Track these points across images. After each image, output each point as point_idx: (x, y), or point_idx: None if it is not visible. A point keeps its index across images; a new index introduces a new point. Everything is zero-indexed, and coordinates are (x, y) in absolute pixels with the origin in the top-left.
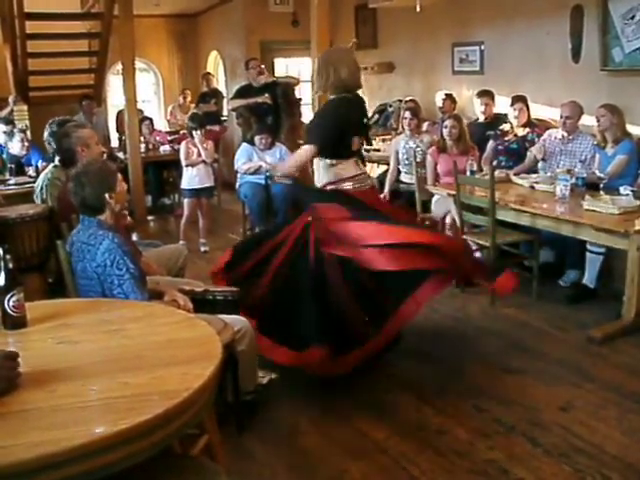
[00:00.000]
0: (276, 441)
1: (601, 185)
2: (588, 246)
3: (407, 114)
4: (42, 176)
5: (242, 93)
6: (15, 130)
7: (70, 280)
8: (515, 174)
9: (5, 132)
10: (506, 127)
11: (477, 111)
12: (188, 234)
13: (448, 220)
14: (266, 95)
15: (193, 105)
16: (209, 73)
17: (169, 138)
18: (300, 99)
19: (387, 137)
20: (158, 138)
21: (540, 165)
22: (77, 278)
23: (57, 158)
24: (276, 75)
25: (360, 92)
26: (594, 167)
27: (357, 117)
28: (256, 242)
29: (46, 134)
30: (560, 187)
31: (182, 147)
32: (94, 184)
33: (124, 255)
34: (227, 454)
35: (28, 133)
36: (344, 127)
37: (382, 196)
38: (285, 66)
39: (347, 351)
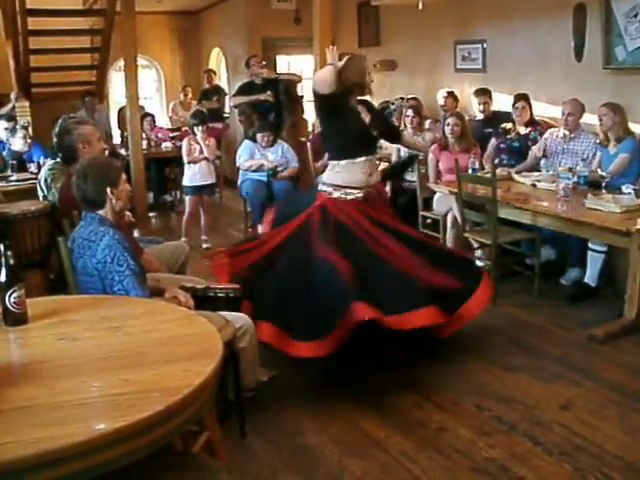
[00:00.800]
0: (277, 438)
1: (603, 184)
2: (590, 244)
3: (409, 112)
4: (45, 169)
5: (244, 90)
6: (17, 127)
7: (71, 277)
8: (517, 172)
9: (7, 129)
10: (508, 125)
11: (475, 110)
12: (190, 231)
13: (450, 218)
14: (268, 92)
15: (195, 102)
16: (211, 70)
17: (171, 135)
18: (302, 96)
19: None
20: (160, 135)
21: (542, 163)
22: (78, 275)
23: (59, 154)
24: (278, 72)
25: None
26: (595, 165)
27: None
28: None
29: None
30: (562, 185)
31: (184, 144)
32: (97, 177)
33: (125, 251)
34: (228, 451)
35: (30, 129)
36: None
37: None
38: (287, 63)
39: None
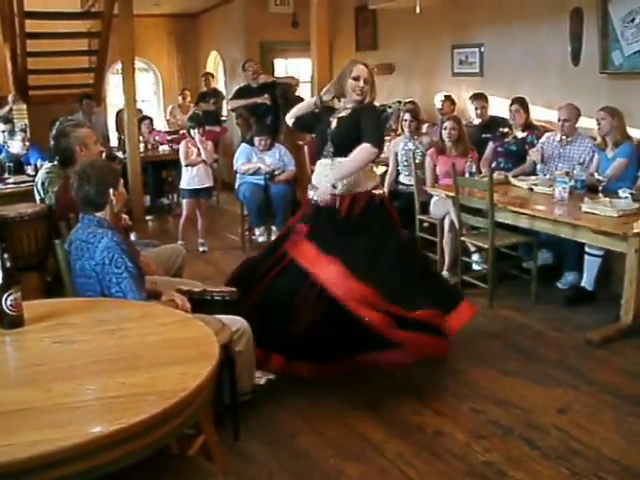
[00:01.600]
0: (273, 442)
1: (600, 188)
2: (586, 248)
3: (406, 116)
4: (42, 172)
5: (241, 93)
6: (16, 129)
7: (68, 279)
8: (514, 176)
9: (4, 131)
10: (506, 129)
11: (472, 114)
12: (187, 234)
13: (447, 222)
14: (265, 95)
15: (193, 105)
16: (209, 73)
17: (168, 138)
18: (300, 99)
19: (386, 138)
20: (157, 138)
21: (539, 167)
22: (76, 277)
23: (56, 157)
24: (276, 76)
25: None
26: (593, 169)
27: None
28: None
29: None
30: (559, 189)
31: (182, 147)
32: (100, 179)
33: (123, 253)
34: (224, 455)
35: (27, 132)
36: None
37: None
38: (285, 67)
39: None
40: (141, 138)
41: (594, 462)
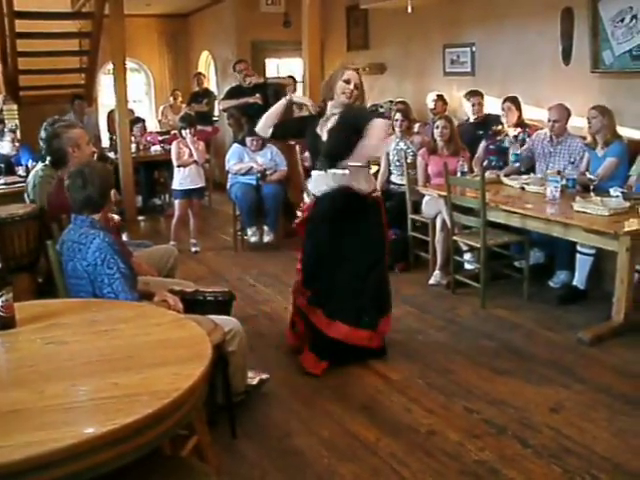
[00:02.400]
0: (266, 442)
1: (592, 187)
2: (578, 247)
3: (398, 115)
4: (33, 173)
5: (233, 94)
6: (5, 130)
7: (60, 280)
8: (505, 175)
9: None
10: (499, 126)
11: (467, 112)
12: (179, 234)
13: (439, 221)
14: (257, 95)
15: (184, 105)
16: (200, 73)
17: (160, 138)
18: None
19: None
20: (149, 138)
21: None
22: (68, 278)
23: (48, 158)
24: (270, 76)
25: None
26: (583, 167)
27: None
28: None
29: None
30: (550, 188)
31: (173, 147)
32: (103, 180)
33: (115, 254)
34: (217, 455)
35: (18, 133)
36: None
37: None
38: (276, 66)
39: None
40: (133, 139)
41: (586, 460)
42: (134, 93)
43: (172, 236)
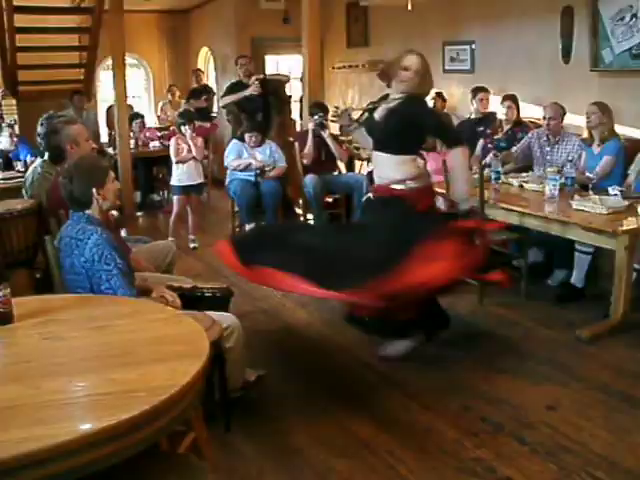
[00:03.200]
0: (263, 439)
1: (590, 185)
2: (577, 246)
3: None
4: (31, 169)
5: (233, 89)
6: (4, 125)
7: (58, 276)
8: (504, 173)
9: None
10: (497, 126)
11: (472, 107)
12: (177, 231)
13: None
14: (256, 83)
15: (183, 101)
16: (199, 69)
17: (159, 134)
18: (290, 96)
19: None
20: (148, 134)
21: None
22: (65, 273)
23: (46, 154)
24: (267, 72)
25: (352, 90)
26: (581, 167)
27: None
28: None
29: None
30: (549, 187)
31: (172, 143)
32: (82, 178)
33: (112, 250)
34: (214, 452)
35: (16, 128)
36: None
37: None
38: (276, 63)
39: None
40: (132, 134)
41: (583, 458)
42: (133, 89)
43: (170, 232)
